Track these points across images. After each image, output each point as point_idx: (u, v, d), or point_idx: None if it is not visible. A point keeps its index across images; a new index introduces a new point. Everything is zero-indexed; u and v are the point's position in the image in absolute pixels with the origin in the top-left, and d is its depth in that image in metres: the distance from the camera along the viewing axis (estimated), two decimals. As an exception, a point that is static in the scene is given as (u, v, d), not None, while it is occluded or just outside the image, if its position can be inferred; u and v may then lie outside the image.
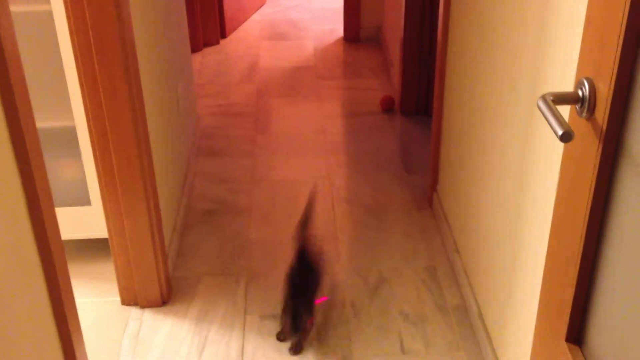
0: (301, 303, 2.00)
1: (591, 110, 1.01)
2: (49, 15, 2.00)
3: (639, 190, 0.94)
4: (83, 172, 2.24)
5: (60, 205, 2.27)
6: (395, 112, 3.56)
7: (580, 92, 1.03)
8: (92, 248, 2.44)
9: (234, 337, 2.12)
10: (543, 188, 1.49)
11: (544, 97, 1.02)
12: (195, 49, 4.31)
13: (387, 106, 3.57)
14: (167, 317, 2.20)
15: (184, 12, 3.05)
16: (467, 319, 2.18)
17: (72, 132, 2.17)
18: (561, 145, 1.34)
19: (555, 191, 1.37)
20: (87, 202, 2.28)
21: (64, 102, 2.13)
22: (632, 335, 0.98)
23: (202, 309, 2.23)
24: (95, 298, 2.27)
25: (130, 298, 2.23)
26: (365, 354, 2.05)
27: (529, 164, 1.58)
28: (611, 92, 0.97)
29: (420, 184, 2.93)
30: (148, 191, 2.06)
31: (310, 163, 3.11)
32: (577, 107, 1.04)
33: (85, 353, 1.55)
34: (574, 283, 1.09)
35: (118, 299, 2.24)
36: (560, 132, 0.95)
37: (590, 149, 1.02)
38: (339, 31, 4.64)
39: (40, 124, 2.14)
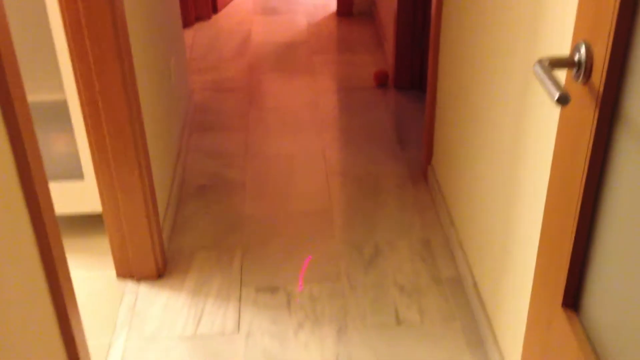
0: None
1: (587, 74, 1.01)
2: (39, -14, 1.98)
3: (636, 154, 0.94)
4: (75, 146, 2.23)
5: (53, 180, 2.26)
6: (389, 87, 3.55)
7: (576, 56, 1.02)
8: (86, 223, 2.44)
9: (230, 309, 2.12)
10: (538, 157, 1.49)
11: (540, 62, 1.02)
12: (187, 24, 4.27)
13: (381, 81, 3.56)
14: (162, 290, 2.20)
15: (176, -15, 3.01)
16: (461, 290, 2.19)
17: (63, 106, 2.15)
18: (557, 112, 1.34)
19: (550, 159, 1.37)
20: (80, 176, 2.27)
21: (54, 75, 2.11)
22: (628, 299, 0.98)
23: (197, 282, 2.24)
24: (90, 272, 2.27)
25: (126, 271, 2.23)
26: (361, 326, 2.06)
27: (524, 133, 1.58)
28: (608, 55, 0.96)
29: (415, 157, 2.93)
30: (141, 165, 2.05)
31: (304, 137, 3.10)
32: (573, 71, 1.04)
33: (81, 326, 1.55)
34: (570, 248, 1.10)
35: (113, 272, 2.24)
36: (556, 96, 0.94)
37: (587, 114, 1.01)
38: (332, 5, 4.60)
39: (31, 97, 2.12)
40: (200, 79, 3.66)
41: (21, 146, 1.25)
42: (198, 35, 4.22)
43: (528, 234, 1.59)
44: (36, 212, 1.32)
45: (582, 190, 1.05)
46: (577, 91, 1.04)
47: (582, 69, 1.01)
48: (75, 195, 2.30)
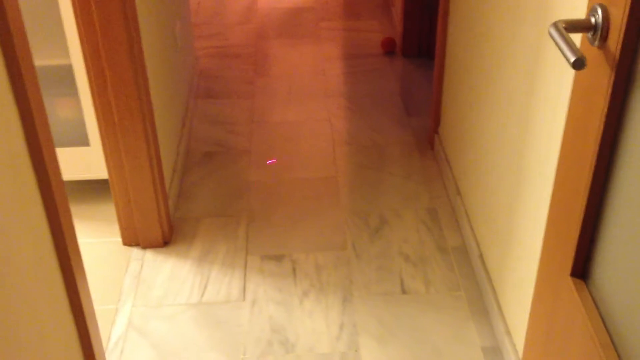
0: None
1: (604, 38, 0.98)
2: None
3: (651, 120, 0.92)
4: (81, 112, 2.21)
5: (58, 146, 2.25)
6: (397, 54, 3.51)
7: (592, 19, 1.00)
8: (92, 189, 2.43)
9: (236, 277, 2.12)
10: (549, 124, 1.46)
11: (555, 25, 0.99)
12: (192, -11, 4.21)
13: (389, 48, 3.52)
14: (168, 257, 2.20)
15: (181, -51, 2.96)
16: (467, 260, 2.19)
17: (68, 71, 2.13)
18: (570, 77, 1.31)
19: (562, 126, 1.35)
20: (85, 142, 2.26)
21: (59, 40, 2.08)
22: (638, 268, 0.97)
23: (203, 250, 2.23)
24: (96, 239, 2.27)
25: (132, 238, 2.23)
26: (366, 295, 2.06)
27: (535, 99, 1.55)
28: (625, 18, 0.93)
29: (422, 126, 2.90)
30: (147, 131, 2.03)
31: (310, 105, 3.07)
32: (589, 35, 1.01)
33: (89, 292, 1.55)
34: (581, 217, 1.08)
35: (119, 239, 2.24)
36: (572, 59, 0.92)
37: (602, 79, 0.99)
38: (339, -29, 4.53)
39: (36, 62, 2.10)
40: (206, 44, 3.62)
41: (29, 112, 1.24)
42: (203, 0, 4.17)
43: (536, 203, 1.57)
44: (44, 177, 1.31)
45: (595, 158, 1.03)
46: (593, 55, 1.01)
47: (598, 32, 0.99)
48: (81, 161, 2.29)
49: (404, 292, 2.07)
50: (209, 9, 4.07)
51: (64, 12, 2.01)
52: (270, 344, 1.90)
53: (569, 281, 1.14)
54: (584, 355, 1.09)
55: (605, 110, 0.99)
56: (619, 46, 0.95)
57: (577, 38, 1.09)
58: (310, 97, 3.14)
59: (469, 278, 2.12)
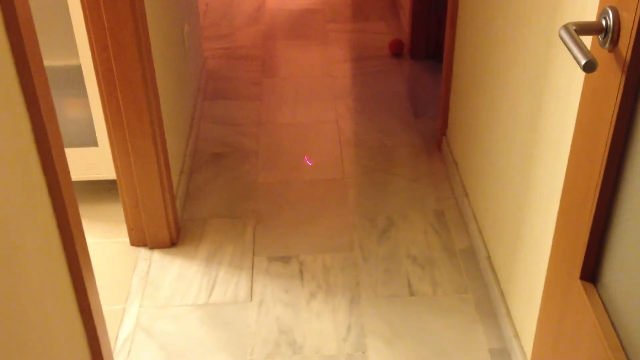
0: None
1: (614, 40, 0.98)
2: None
3: (662, 123, 0.92)
4: (89, 112, 2.22)
5: (67, 146, 2.25)
6: (405, 56, 3.50)
7: (603, 22, 0.99)
8: (100, 189, 2.44)
9: (243, 278, 2.13)
10: (559, 126, 1.46)
11: (566, 27, 0.99)
12: (200, -10, 4.22)
13: (396, 50, 3.51)
14: (176, 258, 2.21)
15: (189, -50, 2.97)
16: (475, 262, 2.18)
17: (77, 71, 2.13)
18: (580, 79, 1.31)
19: (571, 129, 1.34)
20: (94, 143, 2.26)
21: (69, 40, 2.09)
22: (648, 271, 0.97)
23: (210, 251, 2.24)
24: (104, 239, 2.27)
25: (139, 239, 2.23)
26: (373, 296, 2.06)
27: (544, 101, 1.55)
28: (636, 21, 0.93)
29: (429, 128, 2.90)
30: (155, 132, 2.04)
31: (318, 107, 3.07)
32: (599, 37, 1.01)
33: (97, 292, 1.55)
34: (591, 220, 1.08)
35: (127, 240, 2.25)
36: (583, 62, 0.92)
37: (612, 82, 0.99)
38: (347, -27, 4.53)
39: (45, 62, 2.10)
40: (214, 46, 3.63)
41: (38, 112, 1.24)
42: (212, 1, 4.18)
43: (544, 206, 1.56)
44: (53, 177, 1.31)
45: (604, 161, 1.03)
46: (603, 58, 1.01)
47: (609, 34, 0.98)
48: (89, 161, 2.30)
49: (411, 294, 2.07)
50: (218, 10, 4.07)
51: (73, 13, 2.02)
52: (278, 345, 1.90)
53: (578, 284, 1.13)
54: (593, 358, 1.08)
55: (615, 113, 0.98)
56: (630, 49, 0.94)
57: (587, 41, 1.08)
58: (317, 98, 3.14)
59: (477, 280, 2.11)
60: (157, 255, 2.21)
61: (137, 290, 2.08)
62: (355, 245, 2.26)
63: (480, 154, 2.17)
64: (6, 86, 1.15)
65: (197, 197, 2.49)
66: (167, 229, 2.20)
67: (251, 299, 2.05)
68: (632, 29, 0.94)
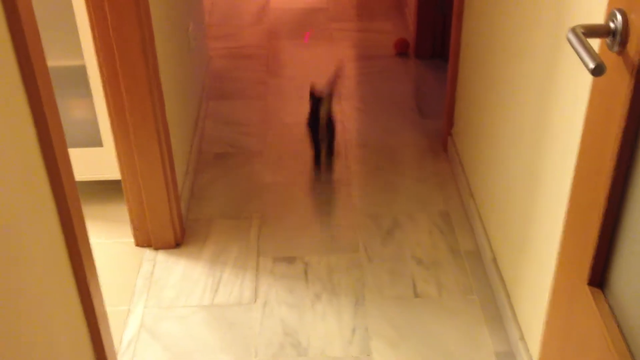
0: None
1: (623, 43, 0.97)
2: (56, -51, 1.94)
3: (672, 127, 0.90)
4: (94, 113, 2.22)
5: (71, 147, 2.24)
6: (410, 56, 3.49)
7: (612, 24, 0.98)
8: (105, 190, 2.43)
9: (247, 279, 2.12)
10: (566, 128, 1.45)
11: (574, 30, 0.98)
12: (205, -11, 4.21)
13: (401, 49, 3.50)
14: (180, 258, 2.20)
15: (194, -51, 2.96)
16: (480, 264, 2.17)
17: (82, 71, 2.13)
18: (587, 81, 1.30)
19: (579, 131, 1.33)
20: (98, 143, 2.26)
21: (73, 41, 2.08)
22: (657, 276, 0.96)
23: (215, 251, 2.23)
24: (108, 239, 2.27)
25: (144, 240, 2.23)
26: (378, 298, 2.05)
27: (551, 103, 1.54)
28: (646, 24, 0.92)
29: (435, 128, 2.89)
30: (160, 132, 2.03)
31: (323, 106, 3.06)
32: (607, 40, 1.00)
33: (100, 293, 1.55)
34: (599, 225, 1.06)
35: (131, 240, 2.24)
36: (592, 66, 0.90)
37: (621, 85, 0.97)
38: (353, -28, 4.52)
39: (50, 62, 2.10)
40: (219, 45, 3.62)
41: (41, 112, 1.24)
42: (217, 1, 4.17)
43: (552, 208, 1.55)
44: (56, 178, 1.31)
45: (613, 164, 1.02)
46: (611, 61, 1.00)
47: (617, 37, 0.97)
48: (93, 162, 2.29)
49: (416, 295, 2.06)
50: (223, 9, 4.07)
51: (78, 13, 2.02)
52: (282, 347, 1.90)
53: (586, 290, 1.12)
54: (600, 364, 1.07)
55: (624, 116, 0.97)
56: (639, 52, 0.93)
57: (594, 43, 1.07)
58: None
59: (483, 282, 2.10)
60: (161, 256, 2.21)
61: (141, 291, 2.08)
62: (360, 246, 2.25)
63: (487, 154, 2.16)
64: (9, 87, 1.14)
65: (201, 197, 2.49)
66: (172, 230, 2.20)
67: (255, 300, 2.04)
68: (641, 31, 0.93)
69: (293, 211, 2.42)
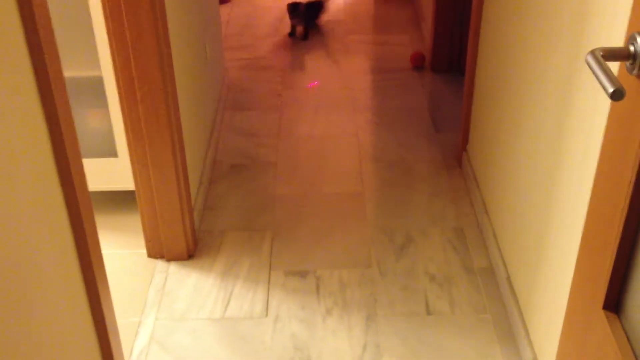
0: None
1: (643, 67, 0.95)
2: (76, -39, 1.96)
3: (692, 153, 0.89)
4: (110, 123, 2.23)
5: (86, 157, 2.26)
6: (426, 69, 3.48)
7: (631, 48, 0.97)
8: (119, 200, 2.44)
9: (259, 293, 2.11)
10: (583, 148, 1.43)
11: (593, 53, 0.96)
12: (223, 0, 4.24)
13: (418, 63, 3.49)
14: (192, 270, 2.20)
15: (213, -39, 2.98)
16: (494, 281, 2.15)
17: (99, 82, 2.14)
18: (605, 103, 1.28)
19: (596, 152, 1.32)
20: (113, 153, 2.27)
21: (91, 52, 2.10)
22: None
23: (227, 264, 2.23)
24: (121, 250, 2.27)
25: (157, 251, 2.23)
26: (390, 314, 2.03)
27: (568, 123, 1.52)
28: (666, 48, 0.91)
29: (450, 142, 2.87)
30: (175, 143, 2.03)
31: (337, 119, 3.06)
32: (627, 63, 0.98)
33: (111, 304, 1.55)
34: (615, 249, 1.05)
35: (144, 251, 2.25)
36: (611, 90, 0.89)
37: (640, 109, 0.96)
38: (370, -16, 4.53)
39: (67, 73, 2.12)
40: (235, 56, 3.63)
41: (56, 122, 1.24)
42: (234, 11, 4.19)
43: (567, 229, 1.53)
44: (70, 188, 1.31)
45: (631, 189, 1.00)
46: (631, 84, 0.99)
47: (637, 60, 0.96)
48: (108, 172, 2.30)
49: (428, 312, 2.04)
50: (240, 21, 4.08)
51: (96, 25, 2.03)
52: (292, 362, 1.88)
53: (601, 314, 1.10)
54: (615, 392, 1.05)
55: (643, 141, 0.96)
56: (659, 76, 0.92)
57: (614, 66, 1.06)
58: (338, 111, 3.13)
59: (496, 300, 2.08)
60: (173, 268, 2.21)
61: (153, 303, 2.08)
62: (372, 261, 2.24)
63: (502, 171, 2.14)
64: (25, 97, 1.15)
65: (215, 208, 2.49)
66: (185, 241, 2.20)
67: (267, 314, 2.04)
68: (661, 55, 0.91)
69: (306, 224, 2.41)
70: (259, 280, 2.16)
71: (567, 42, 1.53)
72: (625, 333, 1.08)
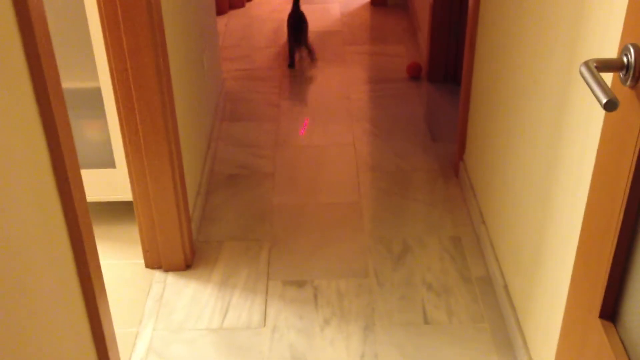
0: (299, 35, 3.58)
1: (636, 78, 0.96)
2: (74, -27, 1.97)
3: (685, 163, 0.90)
4: (108, 134, 2.23)
5: (84, 167, 2.26)
6: (422, 80, 3.50)
7: (625, 59, 0.98)
8: (117, 210, 2.45)
9: (257, 303, 2.11)
10: (578, 159, 1.44)
11: (587, 64, 0.97)
12: (220, 11, 4.26)
13: (414, 73, 3.51)
14: (190, 281, 2.20)
15: (210, -27, 2.99)
16: (491, 291, 2.15)
17: (97, 93, 2.15)
18: (600, 114, 1.29)
19: (591, 161, 1.33)
20: (111, 164, 2.28)
21: (89, 63, 2.11)
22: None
23: (225, 274, 2.23)
24: (119, 260, 2.28)
25: (154, 261, 2.23)
26: (387, 324, 2.04)
27: (563, 133, 1.53)
28: (659, 59, 0.92)
29: (447, 152, 2.88)
30: (172, 154, 2.04)
31: (334, 129, 3.07)
32: (621, 74, 0.99)
33: (109, 314, 1.55)
34: (611, 258, 1.06)
35: (142, 261, 2.25)
36: (604, 101, 0.90)
37: (634, 119, 0.97)
38: (366, -5, 4.55)
39: (65, 84, 2.12)
40: (232, 67, 3.65)
41: (54, 133, 1.25)
42: (231, 22, 4.21)
43: (563, 238, 1.54)
44: (68, 198, 1.32)
45: (626, 198, 1.01)
46: (624, 95, 1.00)
47: (630, 71, 0.97)
48: (106, 182, 2.31)
49: (426, 322, 2.04)
50: (237, 31, 4.10)
51: (94, 36, 2.04)
52: (290, 372, 1.88)
53: (597, 323, 1.11)
54: (612, 400, 1.06)
55: (637, 150, 0.97)
56: (652, 87, 0.93)
57: (607, 77, 1.07)
58: (335, 121, 3.14)
59: (493, 309, 2.08)
60: (171, 278, 2.21)
61: (150, 314, 2.08)
62: (370, 271, 2.25)
63: (498, 180, 2.15)
64: (23, 107, 1.16)
65: (212, 219, 2.49)
66: (182, 251, 2.20)
67: (265, 324, 2.04)
68: (654, 66, 0.92)
69: (303, 234, 2.41)
70: (256, 290, 2.16)
71: (562, 53, 1.54)
72: (622, 341, 1.08)
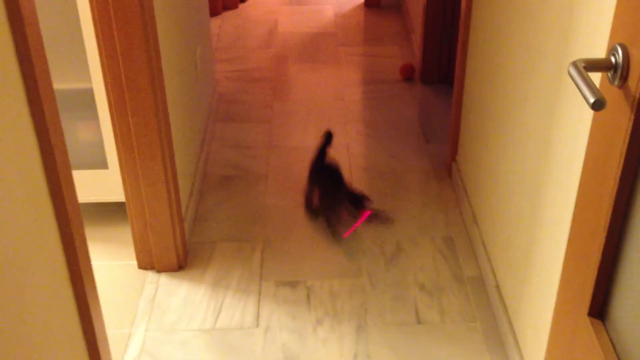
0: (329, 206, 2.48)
1: (624, 77, 0.97)
2: (67, -26, 1.97)
3: (672, 162, 0.91)
4: (100, 135, 2.23)
5: (77, 168, 2.26)
6: (416, 81, 3.51)
7: (613, 59, 0.99)
8: (109, 211, 2.44)
9: (250, 303, 2.12)
10: (568, 159, 1.45)
11: (575, 64, 0.98)
12: (214, 12, 4.26)
13: (407, 74, 3.52)
14: (183, 282, 2.20)
15: (203, -26, 3.00)
16: (483, 290, 2.16)
17: (89, 94, 2.15)
18: (589, 114, 1.30)
19: (581, 160, 1.34)
20: (104, 165, 2.27)
21: (81, 64, 2.11)
22: (657, 310, 0.95)
23: (218, 275, 2.23)
24: (111, 261, 2.27)
25: (147, 262, 2.23)
26: (380, 324, 2.04)
27: (553, 133, 1.54)
28: (646, 59, 0.93)
29: (440, 153, 2.89)
30: (165, 155, 2.04)
31: (328, 130, 3.07)
32: (609, 74, 1.00)
33: (101, 316, 1.55)
34: (599, 256, 1.06)
35: (134, 262, 2.25)
36: (592, 100, 0.91)
37: (622, 119, 0.98)
38: (360, -3, 4.56)
39: (57, 85, 2.12)
40: (226, 68, 3.65)
41: (46, 134, 1.25)
42: (225, 24, 4.21)
43: (554, 237, 1.55)
44: (59, 200, 1.32)
45: (613, 198, 1.02)
46: (612, 95, 1.01)
47: (618, 71, 0.98)
48: (99, 183, 2.31)
49: (419, 322, 2.05)
50: (230, 33, 4.10)
51: (87, 37, 2.04)
52: (283, 373, 1.89)
53: (586, 321, 1.12)
54: (601, 398, 1.06)
55: (625, 150, 0.98)
56: None
57: (596, 77, 1.08)
58: (328, 122, 3.14)
59: (485, 309, 2.09)
60: (164, 279, 2.21)
61: (143, 314, 2.08)
62: (363, 271, 2.25)
63: (490, 180, 2.16)
64: (15, 108, 1.16)
65: (205, 220, 2.49)
66: (175, 252, 2.20)
67: (257, 325, 2.04)
68: (641, 66, 0.93)
69: (296, 235, 2.42)
70: (249, 290, 2.17)
71: (552, 54, 1.55)
72: (610, 339, 1.09)
